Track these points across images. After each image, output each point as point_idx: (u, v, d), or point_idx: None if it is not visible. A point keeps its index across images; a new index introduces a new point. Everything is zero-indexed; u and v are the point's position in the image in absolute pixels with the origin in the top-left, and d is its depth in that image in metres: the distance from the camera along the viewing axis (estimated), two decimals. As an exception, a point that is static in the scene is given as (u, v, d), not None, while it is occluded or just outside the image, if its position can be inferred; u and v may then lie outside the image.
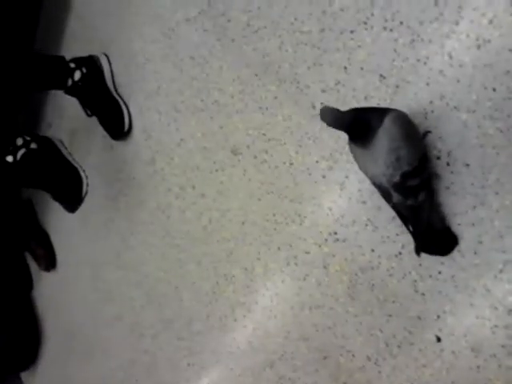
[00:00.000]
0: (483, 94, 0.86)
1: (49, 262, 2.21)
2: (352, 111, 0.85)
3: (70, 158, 1.83)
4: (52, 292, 2.31)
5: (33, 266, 2.37)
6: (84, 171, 1.80)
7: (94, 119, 1.65)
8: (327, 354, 1.16)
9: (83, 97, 1.59)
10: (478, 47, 0.86)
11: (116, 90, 1.59)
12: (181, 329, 1.57)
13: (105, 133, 1.64)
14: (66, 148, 1.86)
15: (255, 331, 1.31)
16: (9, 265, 2.39)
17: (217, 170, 1.35)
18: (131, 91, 1.58)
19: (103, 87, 1.58)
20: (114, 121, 1.59)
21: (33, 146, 1.67)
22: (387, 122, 0.82)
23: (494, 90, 0.85)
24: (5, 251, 2.33)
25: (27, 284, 2.47)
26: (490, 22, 0.84)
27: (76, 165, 1.80)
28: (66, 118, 1.96)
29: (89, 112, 1.62)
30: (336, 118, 0.84)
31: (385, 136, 0.82)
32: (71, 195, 1.81)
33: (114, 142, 1.66)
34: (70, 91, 1.58)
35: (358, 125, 0.83)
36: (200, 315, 1.48)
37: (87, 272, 1.98)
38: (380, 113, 0.84)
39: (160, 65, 1.48)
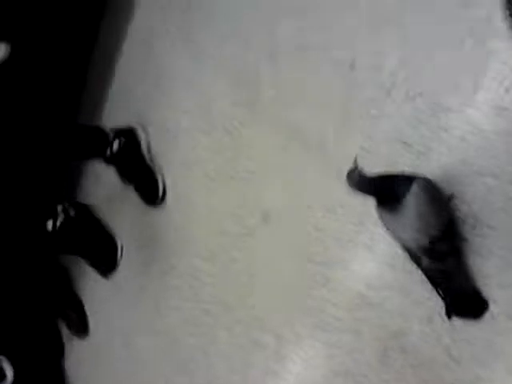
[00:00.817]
0: (506, 159, 0.89)
1: (81, 328, 2.22)
2: (379, 177, 0.88)
3: (105, 225, 1.89)
4: (83, 360, 2.31)
5: (65, 333, 2.39)
6: (119, 238, 1.85)
7: (130, 187, 1.72)
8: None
9: (120, 166, 1.67)
10: (497, 115, 0.90)
11: (152, 159, 1.67)
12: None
13: (140, 200, 1.70)
14: (102, 215, 1.93)
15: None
16: (42, 331, 2.41)
17: (247, 236, 1.39)
18: (166, 160, 1.66)
19: (140, 157, 1.66)
20: (148, 188, 1.66)
21: (71, 213, 1.74)
22: (414, 188, 0.85)
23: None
24: (39, 317, 2.36)
25: (59, 351, 2.48)
26: (507, 90, 0.88)
27: (111, 231, 1.86)
28: (103, 185, 2.05)
29: (125, 180, 1.70)
30: (363, 183, 0.87)
31: (413, 202, 0.85)
32: (106, 261, 1.86)
33: (148, 209, 1.72)
34: (108, 160, 1.67)
35: (386, 190, 0.87)
36: (232, 383, 1.46)
37: (119, 340, 1.98)
38: (407, 179, 0.87)
39: (193, 134, 1.56)
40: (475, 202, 0.92)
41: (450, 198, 0.94)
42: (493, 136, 0.90)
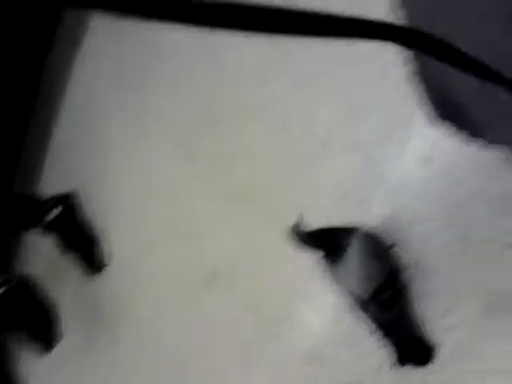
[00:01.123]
0: (439, 204, 0.93)
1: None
2: (321, 230, 0.90)
3: (45, 297, 1.81)
4: None
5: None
6: (60, 309, 1.77)
7: (71, 255, 1.66)
8: None
9: (59, 234, 1.62)
10: (427, 163, 0.94)
11: (92, 225, 1.63)
12: None
13: (82, 267, 1.64)
14: (41, 285, 1.84)
15: None
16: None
17: (195, 298, 1.36)
18: (107, 224, 1.62)
19: (79, 223, 1.62)
20: (90, 255, 1.61)
21: (9, 285, 1.66)
22: (356, 238, 0.88)
23: (448, 200, 0.92)
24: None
25: None
26: (434, 142, 0.93)
27: (52, 303, 1.78)
28: (42, 254, 1.96)
29: (66, 248, 1.65)
30: (307, 238, 0.89)
31: (355, 252, 0.87)
32: (46, 336, 1.76)
33: (90, 277, 1.66)
34: (47, 229, 1.62)
35: (328, 243, 0.89)
36: None
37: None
38: (347, 231, 0.90)
39: (136, 197, 1.54)
40: (415, 247, 0.95)
41: (391, 245, 0.96)
42: (425, 184, 0.94)
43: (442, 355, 0.91)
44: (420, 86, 0.44)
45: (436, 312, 0.92)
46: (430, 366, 0.93)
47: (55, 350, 1.78)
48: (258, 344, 1.19)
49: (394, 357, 0.93)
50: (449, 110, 0.39)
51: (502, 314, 0.85)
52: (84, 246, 1.60)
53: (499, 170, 0.85)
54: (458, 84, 0.33)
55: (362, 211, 1.02)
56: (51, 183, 1.88)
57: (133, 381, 1.56)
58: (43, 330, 1.77)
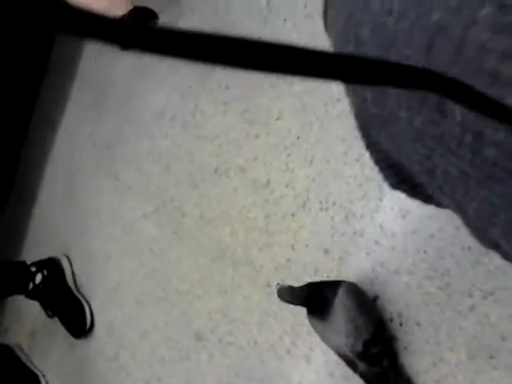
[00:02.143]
0: (417, 257, 0.96)
1: None
2: (306, 287, 0.92)
3: (29, 364, 1.77)
4: None
5: None
6: (44, 376, 1.72)
7: (55, 320, 1.64)
8: None
9: (44, 299, 1.61)
10: (403, 217, 0.98)
11: (77, 289, 1.62)
12: None
13: (66, 332, 1.62)
14: (24, 353, 1.80)
15: None
16: None
17: (182, 359, 1.35)
18: (92, 289, 1.62)
19: (64, 288, 1.61)
20: (75, 320, 1.59)
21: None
22: (340, 293, 0.89)
23: (425, 252, 0.95)
24: None
25: None
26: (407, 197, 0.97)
27: (36, 371, 1.74)
28: (25, 320, 1.93)
29: (50, 313, 1.63)
30: (292, 295, 0.91)
31: (340, 307, 0.89)
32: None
33: (75, 341, 1.64)
34: (31, 295, 1.60)
35: (314, 299, 0.90)
36: None
37: None
38: (332, 285, 0.92)
39: (120, 260, 1.55)
40: (398, 300, 0.97)
41: (375, 299, 0.99)
42: (402, 237, 0.98)
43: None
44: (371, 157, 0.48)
45: (422, 363, 0.94)
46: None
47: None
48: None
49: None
50: (397, 178, 0.43)
51: (485, 363, 0.87)
52: (69, 311, 1.59)
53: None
54: (403, 156, 0.37)
55: (344, 265, 1.05)
56: (36, 249, 1.88)
57: None
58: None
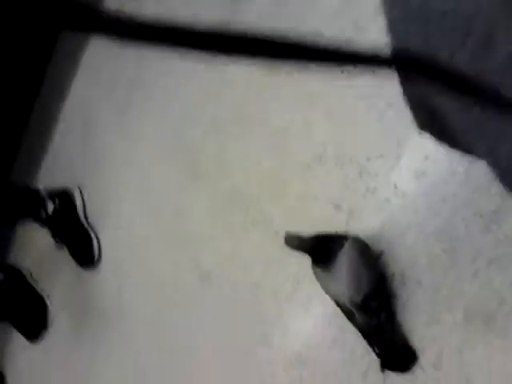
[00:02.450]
0: (427, 218, 0.97)
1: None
2: (313, 237, 0.94)
3: (36, 287, 1.82)
4: None
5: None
6: (50, 301, 1.78)
7: (64, 251, 1.68)
8: None
9: (55, 227, 1.64)
10: (418, 178, 0.99)
11: (87, 222, 1.66)
12: None
13: (73, 264, 1.66)
14: (32, 277, 1.86)
15: None
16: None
17: (186, 298, 1.38)
18: (103, 224, 1.65)
19: (75, 219, 1.64)
20: (83, 251, 1.63)
21: (1, 277, 1.67)
22: (347, 246, 0.91)
23: (436, 214, 0.96)
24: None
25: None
26: (426, 157, 0.97)
27: (42, 294, 1.79)
28: (35, 246, 1.98)
29: (59, 241, 1.67)
30: (299, 243, 0.92)
31: (345, 260, 0.90)
32: (35, 326, 1.78)
33: (82, 272, 1.68)
34: (42, 222, 1.64)
35: (320, 249, 0.92)
36: None
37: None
38: (339, 238, 0.93)
39: (134, 198, 1.57)
40: (402, 259, 0.99)
41: (379, 255, 1.00)
42: (414, 197, 0.99)
43: (421, 363, 0.95)
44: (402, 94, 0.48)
45: (419, 322, 0.96)
46: (410, 373, 0.96)
47: (42, 341, 1.79)
48: (247, 345, 1.23)
49: (378, 362, 0.97)
50: (428, 119, 0.43)
51: (481, 325, 0.89)
52: (78, 242, 1.63)
53: (490, 186, 0.90)
54: (435, 94, 0.37)
55: (353, 221, 1.06)
56: (50, 178, 1.90)
57: (116, 378, 1.58)
58: (32, 321, 1.78)
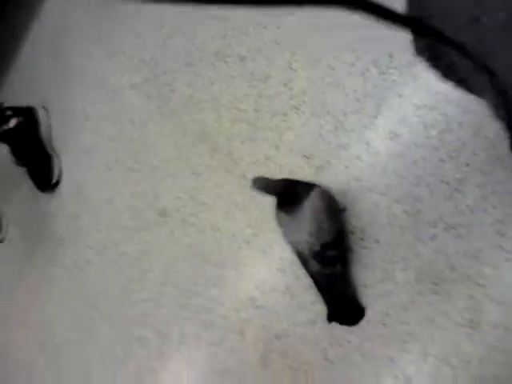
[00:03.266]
0: (394, 179, 0.98)
1: None
2: (281, 181, 0.93)
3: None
4: None
5: None
6: (5, 219, 1.74)
7: (22, 169, 1.63)
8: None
9: (15, 145, 1.58)
10: (391, 139, 0.99)
11: (50, 143, 1.60)
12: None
13: (31, 184, 1.62)
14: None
15: (163, 398, 1.28)
16: None
17: (142, 230, 1.37)
18: (66, 146, 1.60)
19: (36, 139, 1.58)
20: (42, 172, 1.58)
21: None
22: (313, 194, 0.90)
23: (403, 177, 0.97)
24: None
25: None
26: (402, 119, 0.97)
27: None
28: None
29: (19, 162, 1.61)
30: (267, 185, 0.91)
31: (310, 207, 0.90)
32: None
33: (39, 194, 1.64)
34: (2, 137, 1.57)
35: (287, 193, 0.91)
36: (106, 382, 1.42)
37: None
38: (307, 186, 0.93)
39: (99, 124, 1.52)
40: (364, 216, 1.00)
41: (343, 209, 1.01)
42: (385, 157, 0.99)
43: (369, 318, 0.98)
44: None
45: (371, 278, 0.98)
46: (356, 327, 0.99)
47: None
48: (200, 286, 1.23)
49: (326, 313, 0.99)
50: (427, 44, 0.42)
51: (429, 287, 0.92)
52: (37, 164, 1.57)
53: (459, 154, 0.91)
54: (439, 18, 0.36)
55: (321, 174, 1.06)
56: (14, 94, 1.82)
57: (67, 302, 1.57)
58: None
